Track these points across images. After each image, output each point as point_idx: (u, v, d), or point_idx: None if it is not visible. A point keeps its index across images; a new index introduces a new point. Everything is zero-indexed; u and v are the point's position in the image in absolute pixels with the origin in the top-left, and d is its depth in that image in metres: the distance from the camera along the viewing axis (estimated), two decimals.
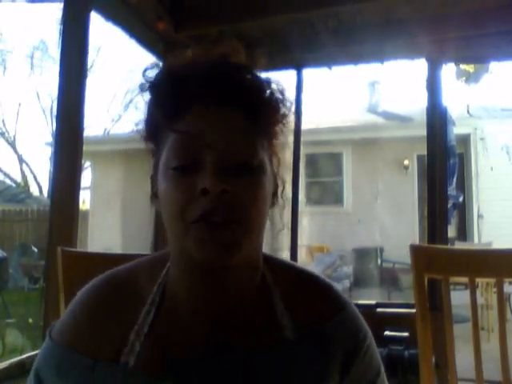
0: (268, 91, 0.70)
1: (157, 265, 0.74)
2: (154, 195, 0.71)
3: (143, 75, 0.70)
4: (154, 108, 0.70)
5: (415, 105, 8.80)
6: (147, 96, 0.70)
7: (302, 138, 2.88)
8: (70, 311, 0.72)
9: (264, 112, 0.69)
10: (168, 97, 0.67)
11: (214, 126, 0.65)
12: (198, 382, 0.67)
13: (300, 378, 0.69)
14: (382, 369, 0.78)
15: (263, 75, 0.71)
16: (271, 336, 0.70)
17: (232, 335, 0.69)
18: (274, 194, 0.73)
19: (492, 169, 9.65)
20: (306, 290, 0.76)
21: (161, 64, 0.71)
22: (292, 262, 0.82)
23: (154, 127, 0.70)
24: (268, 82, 0.71)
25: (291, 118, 0.74)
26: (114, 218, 9.75)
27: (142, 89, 0.70)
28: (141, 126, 0.72)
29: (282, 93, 0.72)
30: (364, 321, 0.78)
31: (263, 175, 0.67)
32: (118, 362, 0.66)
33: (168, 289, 0.71)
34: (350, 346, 0.73)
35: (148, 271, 0.74)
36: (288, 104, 0.72)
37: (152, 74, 0.70)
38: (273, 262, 0.77)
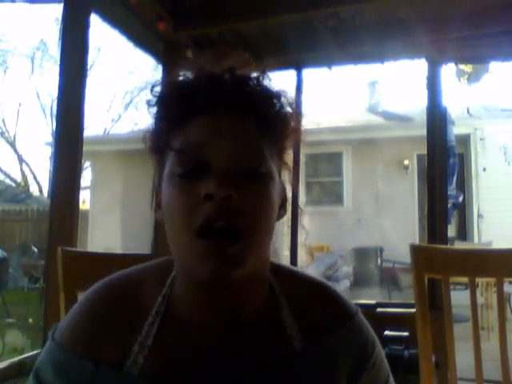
0: (277, 103, 0.69)
1: (162, 273, 0.72)
2: (158, 205, 0.70)
3: (151, 92, 0.69)
4: (160, 119, 0.69)
5: (415, 105, 8.81)
6: (154, 110, 0.70)
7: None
8: (74, 314, 0.71)
9: (273, 122, 0.68)
10: (174, 106, 0.67)
11: (220, 132, 0.64)
12: None
13: None
14: (391, 378, 0.78)
15: (275, 88, 0.70)
16: (280, 347, 0.69)
17: (239, 347, 0.68)
18: (282, 206, 0.71)
19: (491, 169, 9.65)
20: (314, 300, 0.75)
21: (166, 78, 0.73)
22: (299, 270, 0.80)
23: (160, 138, 0.69)
24: (278, 94, 0.70)
25: (302, 133, 0.72)
26: (114, 217, 9.75)
27: (149, 104, 0.70)
28: (147, 139, 0.71)
29: (291, 106, 0.70)
30: (372, 330, 0.77)
31: (271, 184, 0.65)
32: (121, 371, 0.65)
33: (173, 300, 0.70)
34: (359, 357, 0.73)
35: (153, 280, 0.72)
36: (298, 118, 0.71)
37: (158, 89, 0.70)
38: (280, 271, 0.75)
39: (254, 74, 0.69)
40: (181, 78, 0.70)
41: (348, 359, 0.71)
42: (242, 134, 0.65)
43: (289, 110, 0.70)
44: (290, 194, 0.74)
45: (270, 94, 0.69)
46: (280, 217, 0.71)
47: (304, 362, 0.69)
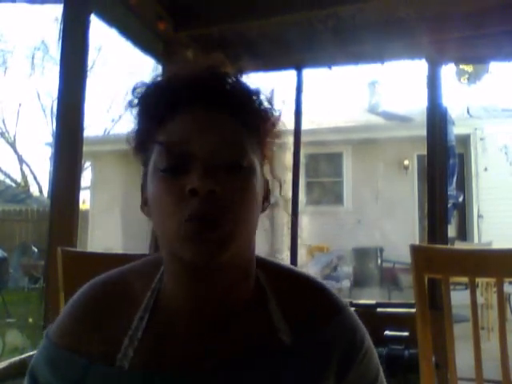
0: (256, 99, 0.71)
1: (151, 268, 0.74)
2: (144, 203, 0.72)
3: (132, 93, 0.71)
4: (141, 118, 0.71)
5: (415, 105, 8.81)
6: (136, 110, 0.71)
7: (302, 138, 2.88)
8: (67, 312, 0.73)
9: (252, 117, 0.70)
10: (155, 104, 0.68)
11: (201, 127, 0.66)
12: None
13: (296, 382, 0.69)
14: (381, 373, 0.77)
15: (253, 84, 0.72)
16: (267, 340, 0.70)
17: (227, 340, 0.69)
18: (265, 199, 0.73)
19: (491, 169, 9.65)
20: (302, 294, 0.75)
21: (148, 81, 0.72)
22: (286, 265, 0.81)
23: (143, 137, 0.70)
24: (257, 91, 0.72)
25: (282, 129, 0.74)
26: (114, 217, 9.75)
27: (130, 105, 0.71)
28: (131, 139, 0.72)
29: (270, 102, 0.72)
30: (361, 324, 0.77)
31: (253, 177, 0.67)
32: (113, 366, 0.67)
33: (162, 293, 0.71)
34: (347, 351, 0.73)
35: (142, 275, 0.74)
36: (277, 114, 0.73)
37: (140, 91, 0.71)
38: (267, 265, 0.76)
39: (233, 72, 0.71)
40: (161, 78, 0.71)
41: (337, 353, 0.72)
42: (223, 129, 0.67)
43: (268, 106, 0.72)
44: (280, 190, 0.76)
45: (249, 91, 0.71)
46: (264, 209, 0.73)
47: (291, 354, 0.69)
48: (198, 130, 0.66)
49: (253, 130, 0.70)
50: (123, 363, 0.66)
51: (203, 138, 0.65)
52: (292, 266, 0.82)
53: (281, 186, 0.76)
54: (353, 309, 0.78)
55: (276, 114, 0.73)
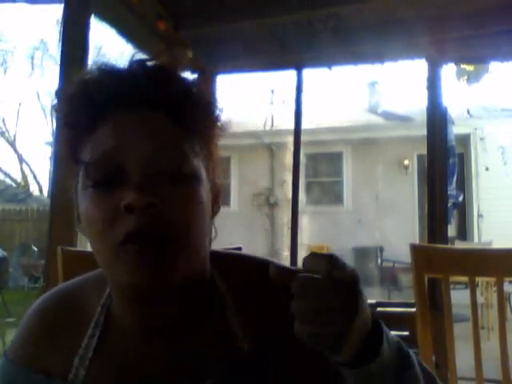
0: (194, 92, 0.63)
1: (101, 282, 0.67)
2: (78, 219, 0.64)
3: (56, 95, 0.64)
4: (66, 124, 0.63)
5: (415, 105, 8.80)
6: (59, 115, 0.64)
7: (302, 138, 2.88)
8: (21, 329, 0.70)
9: (191, 114, 0.62)
10: (80, 108, 0.60)
11: (132, 133, 0.58)
12: None
13: None
14: None
15: (189, 77, 0.65)
16: (226, 351, 0.63)
17: (184, 354, 0.63)
18: (215, 203, 0.66)
19: (491, 168, 9.66)
20: (261, 285, 0.65)
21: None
22: (242, 254, 0.75)
23: (71, 145, 0.62)
24: (194, 83, 0.64)
25: (225, 122, 0.67)
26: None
27: (56, 110, 0.64)
28: (59, 147, 0.65)
29: (211, 95, 0.66)
30: None
31: (197, 183, 0.60)
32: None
33: (112, 309, 0.66)
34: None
35: (93, 290, 0.69)
36: (218, 106, 0.66)
37: (63, 93, 0.64)
38: (223, 264, 0.69)
39: (168, 65, 0.64)
40: (85, 77, 0.62)
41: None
42: (157, 132, 0.59)
43: (208, 99, 0.65)
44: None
45: (185, 84, 0.63)
46: (214, 213, 0.67)
47: (252, 362, 0.63)
48: (129, 135, 0.58)
49: (192, 128, 0.62)
50: (76, 383, 0.63)
51: (135, 145, 0.57)
52: (248, 255, 0.73)
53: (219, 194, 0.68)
54: None
55: (217, 106, 0.66)
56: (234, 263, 0.72)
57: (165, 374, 0.63)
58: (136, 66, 0.62)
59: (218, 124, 0.66)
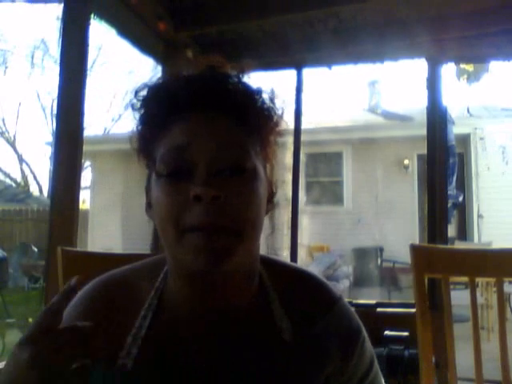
0: (258, 98, 0.70)
1: (155, 268, 0.74)
2: (148, 205, 0.71)
3: (135, 95, 0.71)
4: (143, 122, 0.70)
5: (415, 105, 8.81)
6: (138, 113, 0.71)
7: (302, 138, 2.88)
8: (70, 311, 0.72)
9: (254, 117, 0.68)
10: (156, 108, 0.68)
11: (202, 131, 0.65)
12: None
13: (300, 379, 0.70)
14: (375, 359, 0.80)
15: (255, 84, 0.71)
16: (270, 339, 0.71)
17: (231, 340, 0.69)
18: (269, 201, 0.73)
19: (491, 168, 9.65)
20: (301, 289, 0.77)
21: (150, 83, 0.72)
22: (287, 262, 0.83)
23: (145, 141, 0.70)
24: (258, 91, 0.70)
25: (284, 128, 0.73)
26: (114, 217, 9.75)
27: (133, 108, 0.71)
28: (133, 142, 0.72)
29: (272, 101, 0.71)
30: (356, 315, 0.80)
31: (256, 179, 0.66)
32: (116, 364, 0.67)
33: (166, 293, 0.72)
34: (348, 336, 0.76)
35: (146, 275, 0.74)
36: (280, 113, 0.72)
37: (142, 94, 0.71)
38: (270, 264, 0.77)
39: (234, 72, 0.70)
40: (161, 81, 0.70)
41: (338, 340, 0.74)
42: (224, 132, 0.66)
43: (270, 105, 0.71)
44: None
45: (250, 91, 0.70)
46: (268, 211, 0.73)
47: (294, 353, 0.70)
48: (199, 134, 0.65)
49: (255, 130, 0.69)
50: (126, 361, 0.67)
51: (205, 143, 0.64)
52: (291, 263, 0.83)
53: (276, 188, 0.76)
54: (353, 309, 0.80)
55: (278, 112, 0.72)
56: (280, 267, 0.79)
57: (208, 360, 0.68)
58: (206, 72, 0.69)
59: (277, 129, 0.72)
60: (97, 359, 0.66)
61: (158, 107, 0.68)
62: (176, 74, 0.71)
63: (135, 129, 0.71)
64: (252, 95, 0.70)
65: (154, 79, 0.71)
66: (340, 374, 0.74)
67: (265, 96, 0.71)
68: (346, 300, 0.81)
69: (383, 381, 0.81)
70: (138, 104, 0.70)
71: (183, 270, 0.67)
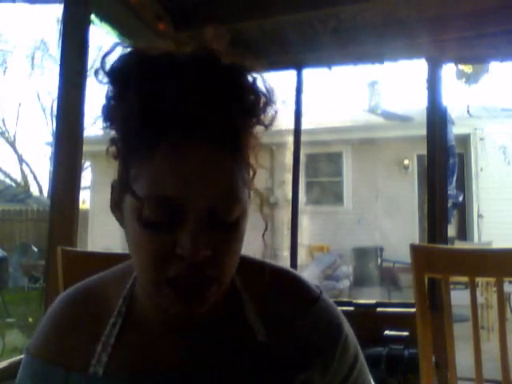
0: (247, 116, 0.61)
1: (123, 275, 0.73)
2: (116, 205, 0.66)
3: (110, 111, 0.64)
4: (123, 145, 0.62)
5: (415, 105, 8.81)
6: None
7: (302, 138, 2.88)
8: (43, 324, 0.73)
9: (243, 139, 0.61)
10: (138, 128, 0.58)
11: (194, 175, 0.56)
12: None
13: (274, 380, 0.68)
14: (359, 353, 0.76)
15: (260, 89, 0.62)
16: (243, 343, 0.68)
17: (201, 346, 0.68)
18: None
19: (491, 168, 9.66)
20: (277, 288, 0.73)
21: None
22: (264, 261, 0.78)
23: (124, 159, 0.61)
24: (249, 105, 0.61)
25: (271, 122, 0.65)
26: (114, 218, 9.74)
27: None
28: (110, 144, 0.66)
29: (267, 95, 0.63)
30: (336, 310, 0.76)
31: (244, 220, 0.62)
32: (89, 373, 0.66)
33: (134, 299, 0.71)
34: (326, 344, 0.72)
35: (115, 282, 0.74)
36: (273, 105, 0.64)
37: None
38: (245, 264, 0.71)
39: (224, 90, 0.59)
40: (148, 90, 0.58)
41: (315, 347, 0.70)
42: (220, 174, 0.58)
43: (258, 121, 0.63)
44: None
45: (238, 109, 0.59)
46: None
47: (269, 356, 0.68)
48: (192, 181, 0.56)
49: (244, 154, 0.61)
50: (97, 369, 0.66)
51: (199, 192, 0.56)
52: (269, 262, 0.78)
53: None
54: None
55: (273, 108, 0.64)
56: (251, 266, 0.75)
57: (180, 362, 0.67)
58: (193, 88, 0.58)
59: (260, 138, 0.65)
60: (70, 370, 0.67)
61: (139, 126, 0.57)
62: (164, 82, 0.60)
63: (103, 120, 0.65)
64: (241, 114, 0.60)
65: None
66: (321, 376, 0.71)
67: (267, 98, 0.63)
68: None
69: (369, 373, 0.78)
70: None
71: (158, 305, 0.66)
